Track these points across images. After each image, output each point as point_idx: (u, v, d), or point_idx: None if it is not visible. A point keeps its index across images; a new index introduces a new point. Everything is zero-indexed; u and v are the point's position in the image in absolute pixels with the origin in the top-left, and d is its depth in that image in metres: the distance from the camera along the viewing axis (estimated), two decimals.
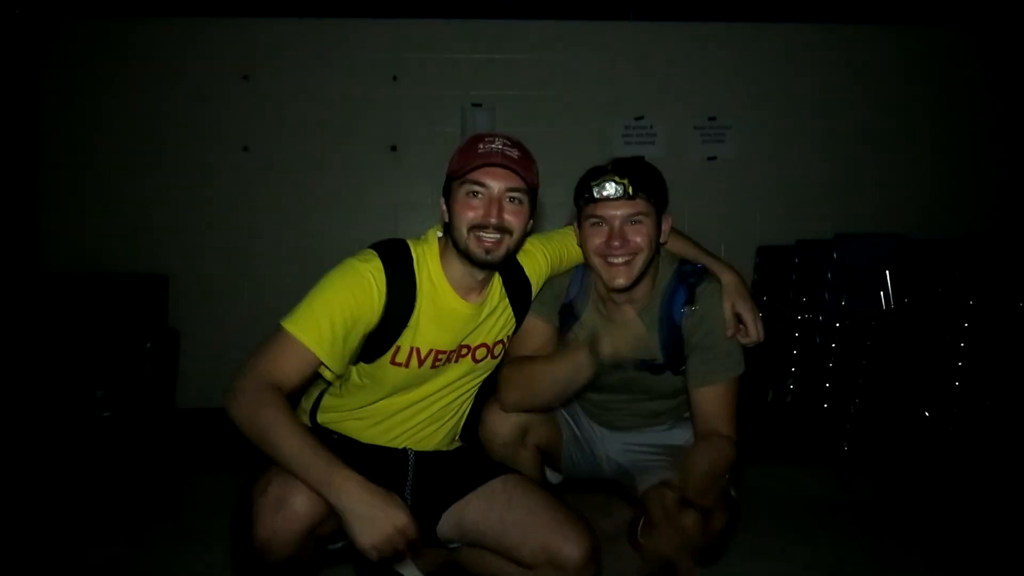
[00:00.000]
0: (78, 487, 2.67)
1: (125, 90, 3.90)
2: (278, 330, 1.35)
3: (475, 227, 1.41)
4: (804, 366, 3.16)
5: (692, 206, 4.02)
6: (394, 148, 3.98)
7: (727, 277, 1.62)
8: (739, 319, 1.59)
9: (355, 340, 1.40)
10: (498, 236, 1.41)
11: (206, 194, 3.94)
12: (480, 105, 4.04)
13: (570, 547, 1.40)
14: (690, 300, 1.58)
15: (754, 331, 1.58)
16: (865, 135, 4.15)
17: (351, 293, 1.37)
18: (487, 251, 1.42)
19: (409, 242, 1.50)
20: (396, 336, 1.44)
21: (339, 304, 1.36)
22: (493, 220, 1.40)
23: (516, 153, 1.42)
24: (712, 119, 4.11)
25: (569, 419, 1.84)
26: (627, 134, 4.08)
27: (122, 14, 3.86)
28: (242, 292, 3.92)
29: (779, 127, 4.14)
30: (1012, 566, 2.08)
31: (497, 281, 1.57)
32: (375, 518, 1.21)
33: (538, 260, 1.65)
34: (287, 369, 1.33)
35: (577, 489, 2.15)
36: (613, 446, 1.83)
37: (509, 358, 1.62)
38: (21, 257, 3.77)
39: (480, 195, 1.42)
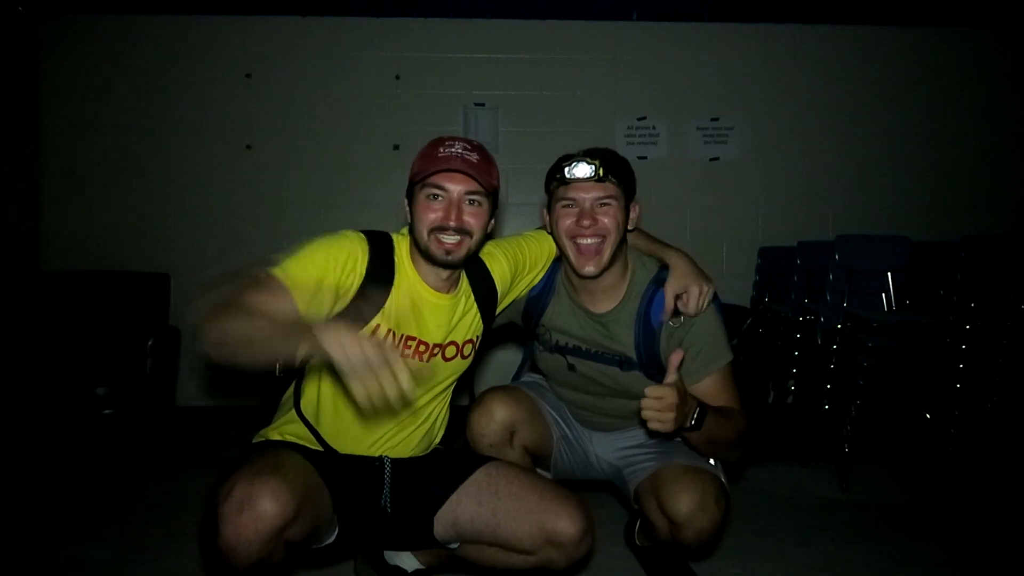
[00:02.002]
0: (78, 485, 2.68)
1: (127, 88, 3.92)
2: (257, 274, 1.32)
3: (435, 229, 1.45)
4: (805, 367, 3.16)
5: (694, 206, 4.04)
6: (396, 147, 3.98)
7: (676, 260, 1.65)
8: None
9: (329, 298, 1.40)
10: (458, 238, 1.45)
11: (208, 192, 3.95)
12: (483, 104, 4.05)
13: (564, 523, 1.43)
14: (678, 312, 1.59)
15: (692, 306, 1.58)
16: (867, 136, 4.15)
17: (336, 250, 1.42)
18: (447, 252, 1.45)
19: (392, 235, 1.55)
20: (373, 313, 1.46)
21: (323, 256, 1.39)
22: (453, 223, 1.44)
23: (475, 157, 1.45)
24: (715, 120, 4.12)
25: (559, 419, 1.83)
26: (629, 134, 4.09)
27: (123, 11, 3.86)
28: None
29: (781, 128, 4.14)
30: (1013, 566, 2.08)
31: (465, 280, 1.59)
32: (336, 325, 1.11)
33: (500, 262, 1.67)
34: (258, 299, 1.27)
35: (571, 488, 2.15)
36: (603, 449, 1.82)
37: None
38: (22, 256, 3.78)
39: (440, 198, 1.45)
